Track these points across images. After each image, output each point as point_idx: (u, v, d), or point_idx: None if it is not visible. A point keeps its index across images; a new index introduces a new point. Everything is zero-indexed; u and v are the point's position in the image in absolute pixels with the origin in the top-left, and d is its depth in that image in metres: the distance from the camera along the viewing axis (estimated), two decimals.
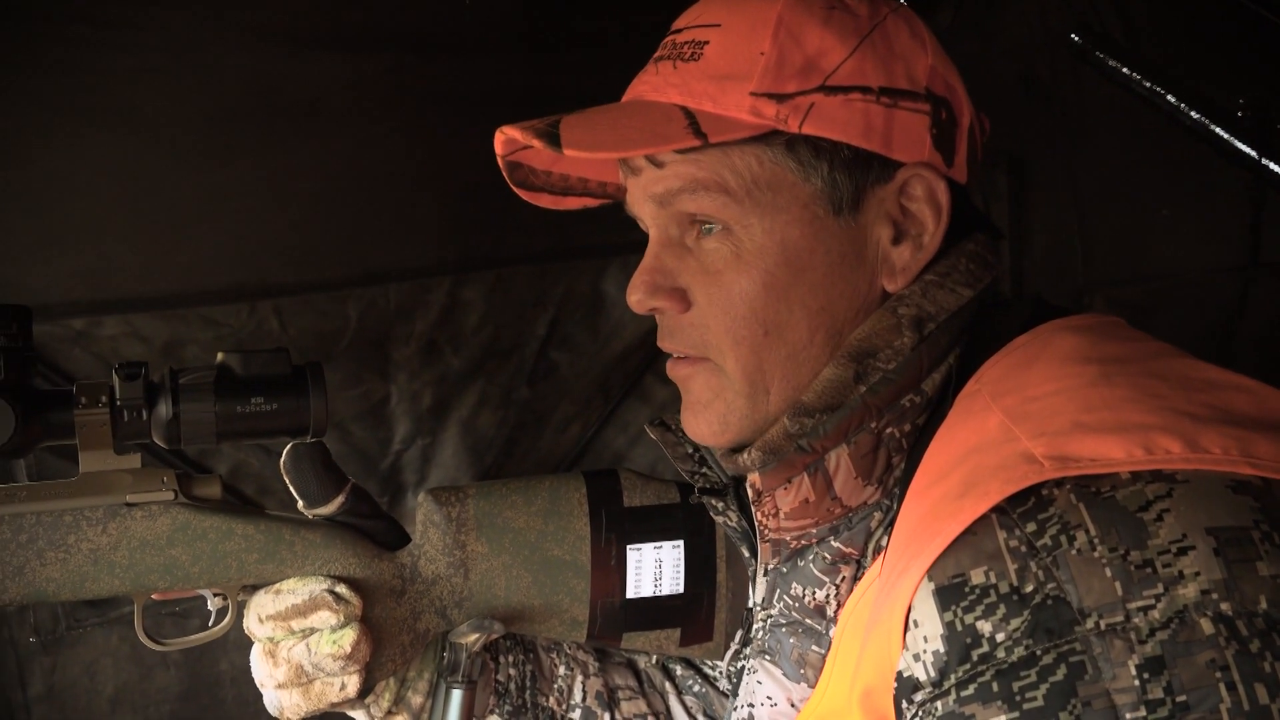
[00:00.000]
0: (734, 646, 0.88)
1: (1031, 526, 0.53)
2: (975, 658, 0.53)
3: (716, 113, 0.68)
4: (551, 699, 0.96)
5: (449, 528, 0.90)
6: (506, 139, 0.75)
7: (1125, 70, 1.23)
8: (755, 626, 0.79)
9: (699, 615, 0.94)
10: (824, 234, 0.69)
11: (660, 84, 0.71)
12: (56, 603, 1.08)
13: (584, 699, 0.97)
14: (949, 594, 0.54)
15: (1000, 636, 0.52)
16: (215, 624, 0.87)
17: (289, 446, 0.85)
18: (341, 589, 0.83)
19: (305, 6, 1.08)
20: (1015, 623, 0.52)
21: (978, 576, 0.54)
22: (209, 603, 0.87)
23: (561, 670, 0.98)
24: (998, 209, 1.42)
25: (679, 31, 0.73)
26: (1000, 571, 0.53)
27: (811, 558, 0.73)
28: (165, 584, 0.82)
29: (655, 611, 0.93)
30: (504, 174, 0.81)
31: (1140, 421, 0.55)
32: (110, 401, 0.78)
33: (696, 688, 1.01)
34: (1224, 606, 0.49)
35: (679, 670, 1.02)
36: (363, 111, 1.16)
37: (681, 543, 0.93)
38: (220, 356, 0.82)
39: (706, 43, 0.70)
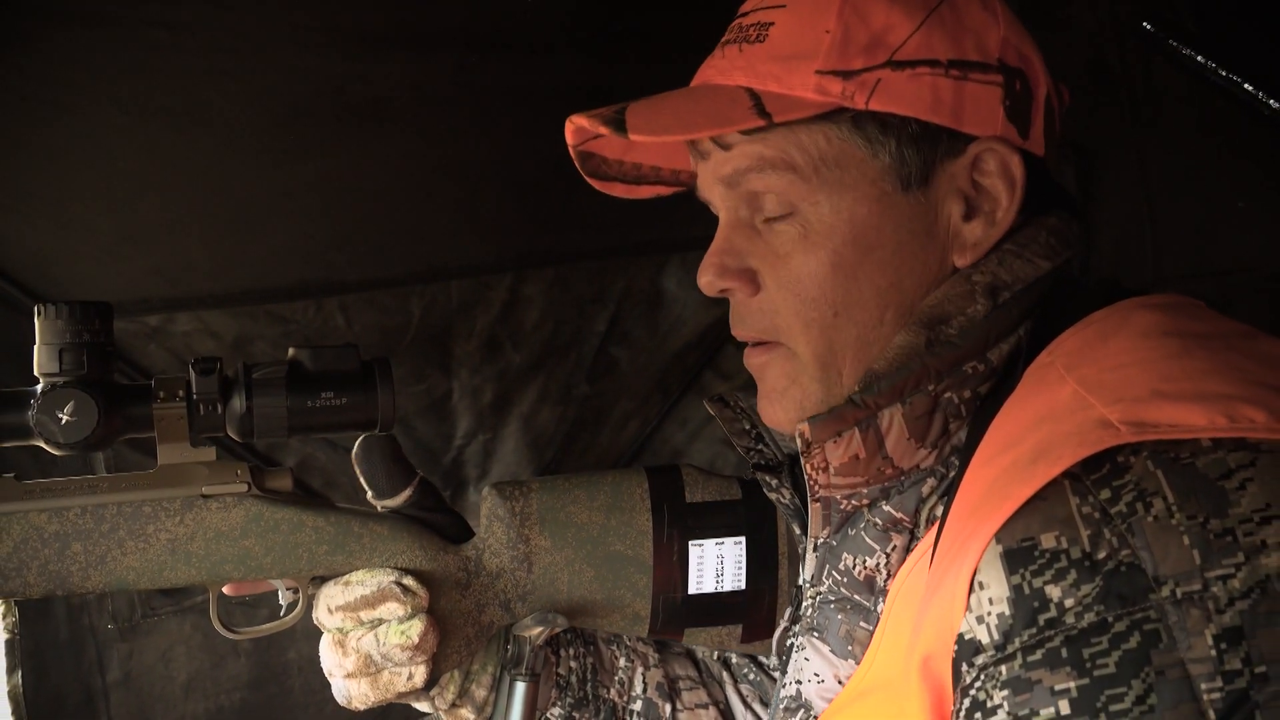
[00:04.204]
0: (783, 624, 0.87)
1: (1106, 493, 0.52)
2: (1043, 622, 0.52)
3: (781, 92, 0.67)
4: (613, 691, 0.97)
5: (513, 522, 0.91)
6: (576, 128, 0.76)
7: (1200, 59, 1.20)
8: (805, 604, 0.79)
9: (761, 611, 0.94)
10: (893, 210, 0.69)
11: (726, 67, 0.71)
12: (135, 591, 1.12)
13: (645, 690, 0.97)
14: (1017, 557, 0.53)
15: (1070, 602, 0.51)
16: (286, 614, 0.88)
17: (361, 439, 0.87)
18: (408, 580, 0.84)
19: (370, 8, 1.09)
20: (1086, 588, 0.51)
21: (1048, 541, 0.53)
22: (279, 594, 0.89)
23: (622, 662, 0.99)
24: None
25: (745, 15, 0.73)
26: (1072, 537, 0.52)
27: (863, 525, 0.72)
28: (239, 574, 0.84)
29: (717, 607, 0.93)
30: (576, 164, 0.81)
31: (1222, 391, 0.54)
32: (187, 395, 0.80)
33: (752, 676, 1.01)
34: None
35: (734, 659, 1.02)
36: (426, 111, 1.17)
37: (743, 539, 0.93)
38: (291, 352, 0.84)
39: (772, 24, 0.69)
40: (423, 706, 0.91)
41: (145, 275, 1.15)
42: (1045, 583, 0.52)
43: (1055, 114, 0.73)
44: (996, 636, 0.53)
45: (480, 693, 0.91)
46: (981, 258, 0.69)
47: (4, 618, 1.15)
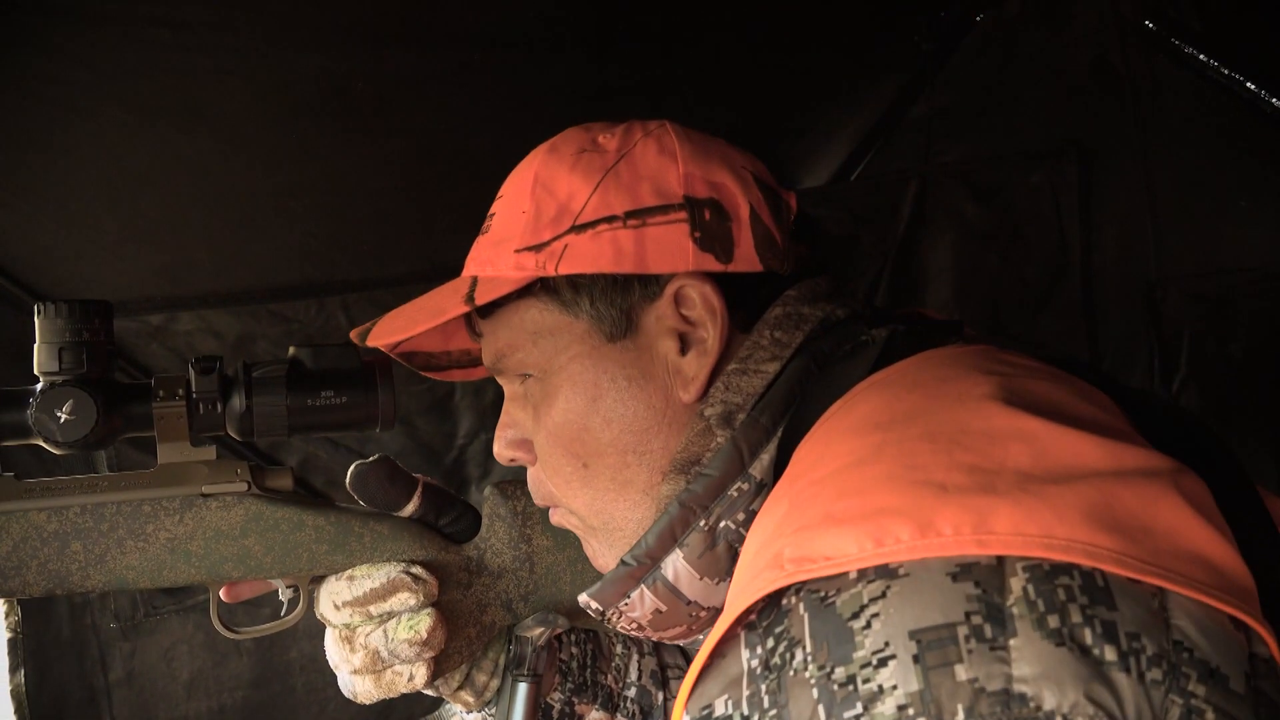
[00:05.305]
0: None
1: (771, 642, 0.49)
2: None
3: (493, 275, 0.72)
4: (609, 677, 0.98)
5: (515, 522, 0.90)
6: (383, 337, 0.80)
7: (1202, 57, 1.20)
8: None
9: None
10: (606, 362, 0.72)
11: (470, 259, 0.77)
12: (136, 590, 1.12)
13: (639, 678, 0.99)
14: None
15: None
16: (287, 613, 0.88)
17: (352, 467, 0.87)
18: (417, 569, 0.84)
19: (371, 8, 1.09)
20: None
21: (720, 707, 0.51)
22: (280, 592, 0.89)
23: (619, 649, 1.00)
24: (1066, 200, 1.40)
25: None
26: (737, 699, 0.50)
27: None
28: (239, 573, 0.84)
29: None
30: (402, 364, 0.85)
31: (883, 505, 0.49)
32: (187, 394, 0.80)
33: None
34: None
35: None
36: (426, 111, 1.18)
37: None
38: (291, 350, 0.84)
39: (493, 214, 0.75)
40: (427, 691, 0.92)
41: (148, 274, 1.16)
42: None
43: (769, 225, 0.72)
44: None
45: (481, 678, 0.91)
46: (705, 387, 0.70)
47: (6, 617, 1.16)
